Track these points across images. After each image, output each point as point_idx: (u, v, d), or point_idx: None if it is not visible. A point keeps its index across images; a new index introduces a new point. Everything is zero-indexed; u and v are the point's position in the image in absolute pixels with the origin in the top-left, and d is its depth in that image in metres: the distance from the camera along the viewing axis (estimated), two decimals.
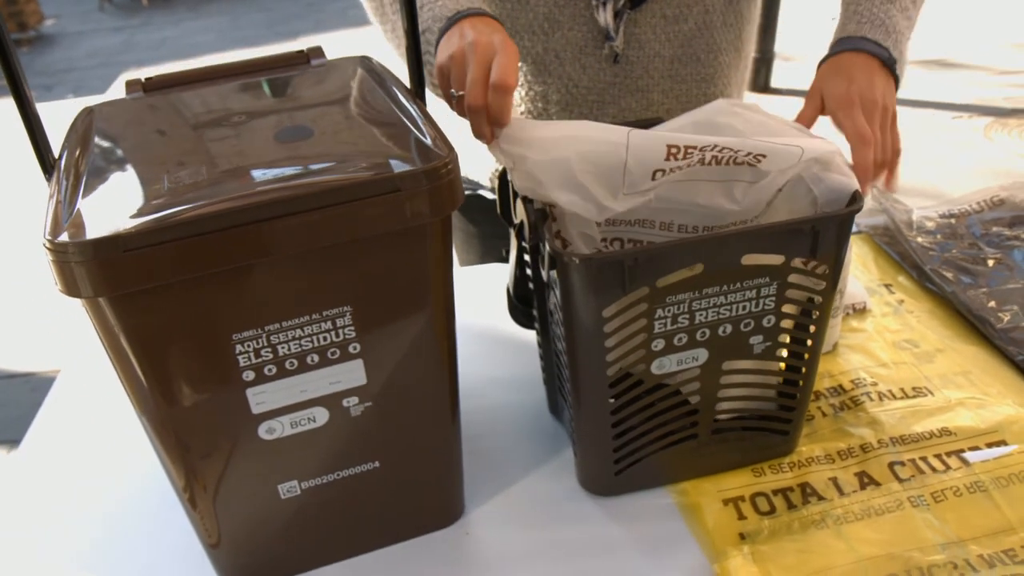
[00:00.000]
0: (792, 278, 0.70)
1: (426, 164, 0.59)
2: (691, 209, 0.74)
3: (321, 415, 0.66)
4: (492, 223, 1.01)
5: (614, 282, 0.66)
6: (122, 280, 0.54)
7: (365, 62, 0.78)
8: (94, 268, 0.53)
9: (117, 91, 4.91)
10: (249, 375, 0.62)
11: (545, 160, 0.69)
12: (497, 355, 0.99)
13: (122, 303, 0.56)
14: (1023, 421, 0.84)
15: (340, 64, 0.78)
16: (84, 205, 0.57)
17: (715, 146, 0.69)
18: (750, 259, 0.68)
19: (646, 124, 0.79)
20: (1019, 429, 0.83)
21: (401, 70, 0.77)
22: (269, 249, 0.57)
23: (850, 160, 0.76)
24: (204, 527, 0.70)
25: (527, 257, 0.78)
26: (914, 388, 0.90)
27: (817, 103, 0.83)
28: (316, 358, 0.63)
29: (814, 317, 0.73)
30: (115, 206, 0.56)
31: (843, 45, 0.85)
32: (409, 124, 0.65)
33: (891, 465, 0.80)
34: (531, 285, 0.80)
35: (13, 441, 2.34)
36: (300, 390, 0.64)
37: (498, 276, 0.93)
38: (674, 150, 0.69)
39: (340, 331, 0.63)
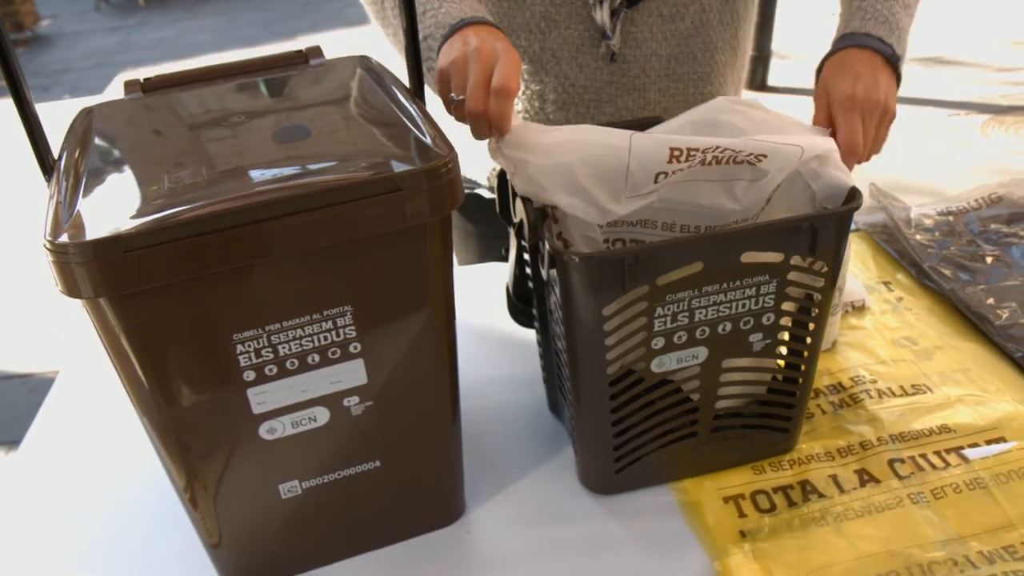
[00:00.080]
0: (791, 276, 0.70)
1: (426, 163, 0.59)
2: (693, 209, 0.75)
3: (322, 415, 0.66)
4: (490, 222, 1.01)
5: (614, 280, 0.66)
6: (122, 281, 0.54)
7: (364, 61, 0.78)
8: (94, 269, 0.53)
9: (114, 91, 4.90)
10: (250, 375, 0.62)
11: (547, 164, 0.69)
12: (496, 354, 0.99)
13: (123, 303, 0.56)
14: (1022, 418, 0.84)
15: (339, 64, 0.78)
16: (84, 206, 0.57)
17: (717, 147, 0.69)
18: (749, 257, 0.68)
19: (644, 123, 0.80)
20: (1018, 426, 0.83)
21: (401, 71, 0.77)
22: (269, 249, 0.57)
23: None
24: (205, 527, 0.70)
25: (527, 256, 0.78)
26: (913, 385, 0.90)
27: (827, 104, 0.81)
28: (317, 358, 0.63)
29: (813, 315, 0.73)
30: (115, 207, 0.56)
31: (848, 41, 0.84)
32: (409, 123, 0.65)
33: (891, 462, 0.80)
34: (530, 284, 0.81)
35: (12, 442, 2.33)
36: (301, 390, 0.64)
37: (497, 275, 0.93)
38: (676, 152, 0.69)
39: (341, 331, 0.63)
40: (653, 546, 0.75)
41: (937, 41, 4.50)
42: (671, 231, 0.77)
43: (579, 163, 0.69)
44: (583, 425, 0.77)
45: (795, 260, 0.69)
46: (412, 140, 0.63)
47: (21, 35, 6.10)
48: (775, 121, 0.75)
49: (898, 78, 0.84)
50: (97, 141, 0.67)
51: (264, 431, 0.66)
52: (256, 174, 0.59)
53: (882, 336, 0.98)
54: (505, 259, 0.85)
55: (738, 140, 0.70)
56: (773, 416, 0.79)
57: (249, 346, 0.61)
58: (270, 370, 0.63)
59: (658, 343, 0.71)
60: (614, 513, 0.79)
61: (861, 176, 0.74)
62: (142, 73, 0.78)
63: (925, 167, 3.26)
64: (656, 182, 0.70)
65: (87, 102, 0.76)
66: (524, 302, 0.84)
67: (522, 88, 1.01)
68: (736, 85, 1.11)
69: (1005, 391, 0.88)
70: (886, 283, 1.08)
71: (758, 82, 4.23)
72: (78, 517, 0.83)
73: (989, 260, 1.07)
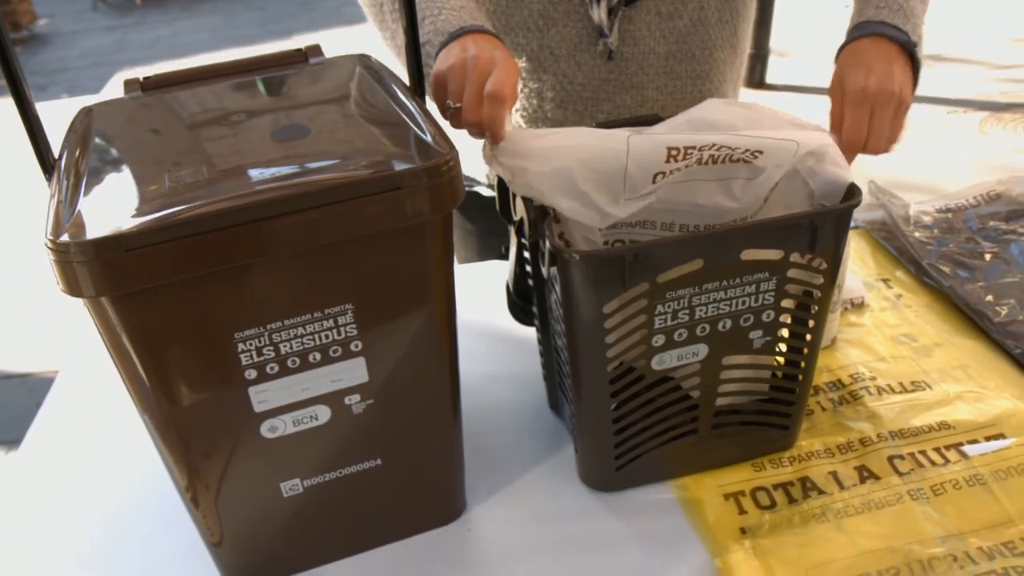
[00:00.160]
0: (791, 273, 0.70)
1: (427, 162, 0.59)
2: (691, 209, 0.75)
3: (323, 413, 0.67)
4: (489, 220, 1.01)
5: (614, 278, 0.66)
6: (124, 280, 0.54)
7: (364, 60, 0.78)
8: (96, 268, 0.53)
9: (111, 90, 4.89)
10: (251, 373, 0.62)
11: (545, 171, 0.69)
12: (496, 352, 0.99)
13: (124, 302, 0.56)
14: (1021, 414, 0.84)
15: (338, 62, 0.78)
16: (85, 205, 0.57)
17: (713, 144, 0.69)
18: (749, 254, 0.68)
19: (642, 121, 0.80)
20: (1017, 422, 0.83)
21: (401, 72, 0.77)
22: (270, 248, 0.57)
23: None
24: (206, 526, 0.70)
25: (527, 254, 0.78)
26: (913, 382, 0.90)
27: (840, 100, 0.81)
28: (318, 356, 0.63)
29: (813, 311, 0.74)
30: (116, 206, 0.56)
31: (862, 30, 0.84)
32: (409, 122, 0.65)
33: (890, 459, 0.80)
34: (531, 282, 0.81)
35: (11, 442, 2.33)
36: (302, 388, 0.65)
37: (497, 273, 0.93)
38: (674, 152, 0.69)
39: (342, 329, 0.63)
40: (654, 543, 0.75)
41: (936, 38, 4.50)
42: (670, 231, 0.77)
43: (577, 167, 0.69)
44: (583, 422, 0.77)
45: (795, 257, 0.69)
46: (413, 138, 0.63)
47: (18, 34, 6.09)
48: (769, 118, 0.75)
49: (915, 65, 0.83)
50: (97, 140, 0.67)
51: (265, 429, 0.66)
52: (257, 173, 0.59)
53: (881, 333, 0.98)
54: (505, 257, 0.85)
55: (734, 137, 0.70)
56: (773, 413, 0.80)
57: (250, 344, 0.61)
58: (271, 368, 0.63)
59: (658, 340, 0.71)
60: (615, 510, 0.79)
61: (860, 173, 0.74)
62: (139, 72, 0.78)
63: (924, 164, 3.26)
64: (654, 182, 0.71)
65: (84, 101, 0.76)
66: (524, 300, 0.84)
67: (520, 86, 1.01)
68: (735, 83, 1.11)
69: (1004, 388, 0.89)
70: (885, 280, 1.08)
71: (756, 80, 4.23)
72: (78, 517, 0.83)
73: (988, 257, 1.08)
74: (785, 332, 0.75)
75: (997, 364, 0.93)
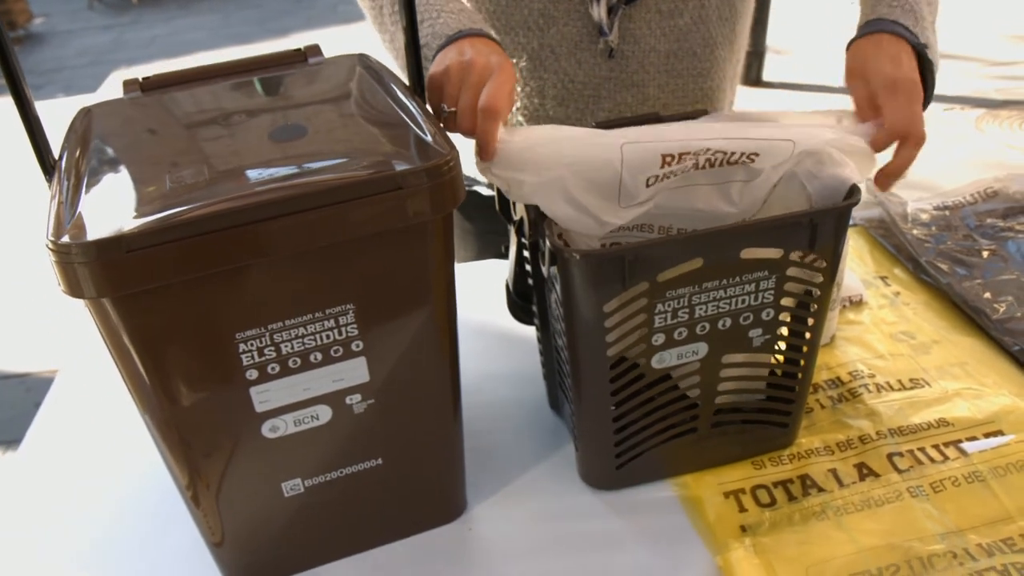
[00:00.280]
0: (790, 271, 0.71)
1: (427, 162, 0.59)
2: (689, 214, 0.75)
3: (324, 413, 0.67)
4: (488, 220, 1.01)
5: (614, 277, 0.66)
6: (125, 281, 0.54)
7: (363, 60, 0.78)
8: (97, 269, 0.53)
9: (108, 89, 4.87)
10: (252, 374, 0.62)
11: (540, 181, 0.69)
12: (496, 351, 0.99)
13: (125, 303, 0.56)
14: (1020, 411, 0.84)
15: (338, 62, 0.78)
16: (86, 206, 0.57)
17: (707, 150, 0.69)
18: (749, 253, 0.69)
19: (642, 120, 0.80)
20: (1016, 419, 0.84)
21: (398, 72, 0.77)
22: (272, 248, 0.57)
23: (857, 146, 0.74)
24: (208, 526, 0.70)
25: (527, 253, 0.78)
26: (911, 379, 0.90)
27: (866, 87, 0.79)
28: (319, 356, 0.64)
29: (812, 310, 0.74)
30: (117, 207, 0.56)
31: (877, 26, 0.84)
32: (410, 122, 0.65)
33: (890, 456, 0.81)
34: (530, 281, 0.81)
35: (9, 442, 2.33)
36: (303, 388, 0.65)
37: (497, 272, 0.94)
38: (668, 158, 0.69)
39: (343, 329, 0.63)
40: (654, 541, 0.75)
41: None
42: (668, 235, 0.77)
43: (571, 177, 0.69)
44: (584, 421, 0.77)
45: (794, 256, 0.70)
46: (413, 138, 0.63)
47: (14, 33, 6.07)
48: (766, 119, 0.75)
49: (926, 66, 0.82)
50: (97, 141, 0.67)
51: (266, 429, 0.66)
52: (258, 173, 0.59)
53: (880, 331, 0.98)
54: (504, 256, 0.85)
55: (729, 141, 0.70)
56: (773, 411, 0.80)
57: (252, 345, 0.61)
58: (272, 369, 0.63)
59: (658, 339, 0.71)
60: (615, 509, 0.79)
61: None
62: (136, 71, 0.78)
63: (920, 161, 3.26)
64: (648, 186, 0.71)
65: (81, 101, 0.76)
66: (524, 299, 0.84)
67: (521, 85, 1.01)
68: (733, 81, 1.11)
69: (1002, 385, 0.89)
70: (883, 278, 1.09)
71: (753, 77, 4.23)
72: (79, 517, 0.83)
73: (985, 254, 1.08)
74: (785, 330, 0.75)
75: (995, 361, 0.93)
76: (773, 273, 0.70)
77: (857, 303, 1.03)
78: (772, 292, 0.71)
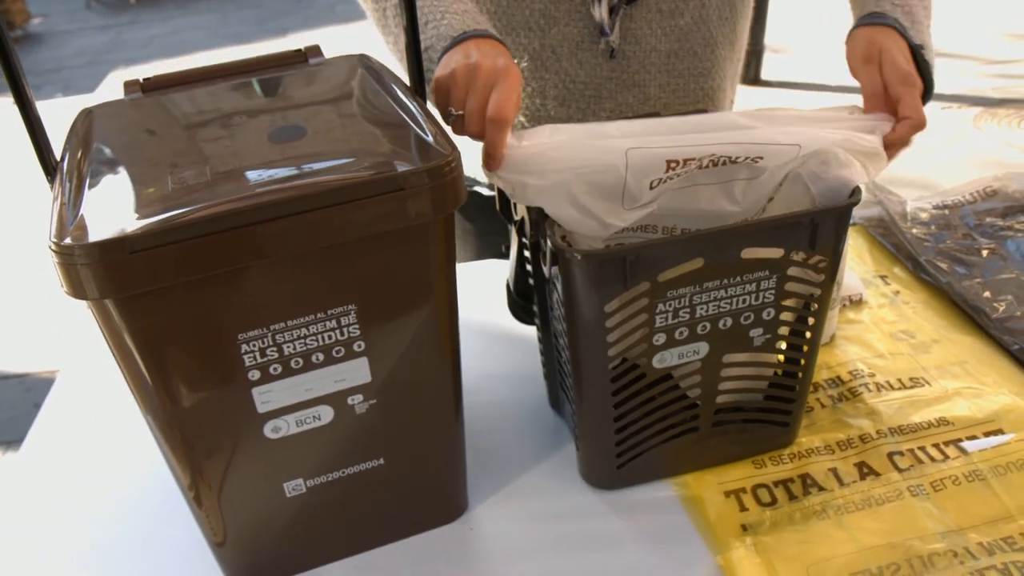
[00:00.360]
0: (791, 271, 0.71)
1: (429, 163, 0.59)
2: (693, 214, 0.75)
3: (326, 413, 0.67)
4: (488, 220, 1.01)
5: (616, 277, 0.66)
6: (128, 282, 0.55)
7: (364, 60, 0.78)
8: (100, 270, 0.53)
9: (106, 90, 4.85)
10: (255, 374, 0.62)
11: (544, 185, 0.69)
12: (496, 351, 0.99)
13: (128, 304, 0.56)
14: (1019, 410, 0.85)
15: (339, 63, 0.78)
16: (88, 207, 0.57)
17: (712, 155, 0.69)
18: (750, 253, 0.69)
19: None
20: (1015, 418, 0.84)
21: (401, 74, 0.77)
22: (274, 250, 0.57)
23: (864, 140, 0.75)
24: (210, 526, 0.70)
25: (527, 253, 0.79)
26: (911, 378, 0.90)
27: (879, 76, 0.81)
28: (321, 357, 0.64)
29: (813, 309, 0.74)
30: (120, 208, 0.56)
31: (881, 19, 0.85)
32: (411, 123, 0.65)
33: (890, 455, 0.81)
34: (531, 281, 0.81)
35: (8, 442, 2.33)
36: (305, 389, 0.65)
37: (496, 272, 0.94)
38: (673, 164, 0.69)
39: (345, 329, 0.63)
40: (655, 541, 0.76)
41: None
42: (671, 235, 0.77)
43: (576, 180, 0.69)
44: (585, 421, 0.77)
45: (795, 256, 0.70)
46: (414, 139, 0.63)
47: (12, 34, 6.07)
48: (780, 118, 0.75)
49: (923, 67, 0.84)
50: (99, 142, 0.67)
51: (269, 430, 0.66)
52: (259, 174, 0.59)
53: (880, 330, 0.99)
54: (504, 256, 0.85)
55: (733, 145, 0.70)
56: (773, 410, 0.80)
57: (254, 346, 0.61)
58: (275, 369, 0.63)
59: (659, 339, 0.71)
60: (616, 508, 0.79)
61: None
62: (134, 71, 0.79)
63: (918, 160, 3.27)
64: (652, 188, 0.71)
65: (80, 101, 0.76)
66: (525, 299, 0.85)
67: (522, 85, 1.01)
68: (733, 80, 1.12)
69: (1002, 383, 0.89)
70: (883, 277, 1.09)
71: (751, 76, 4.23)
72: (79, 517, 0.83)
73: (985, 253, 1.08)
74: (785, 330, 0.75)
75: (995, 360, 0.93)
76: (774, 273, 0.70)
77: (857, 302, 1.03)
78: (773, 292, 0.71)
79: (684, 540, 0.75)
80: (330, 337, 0.63)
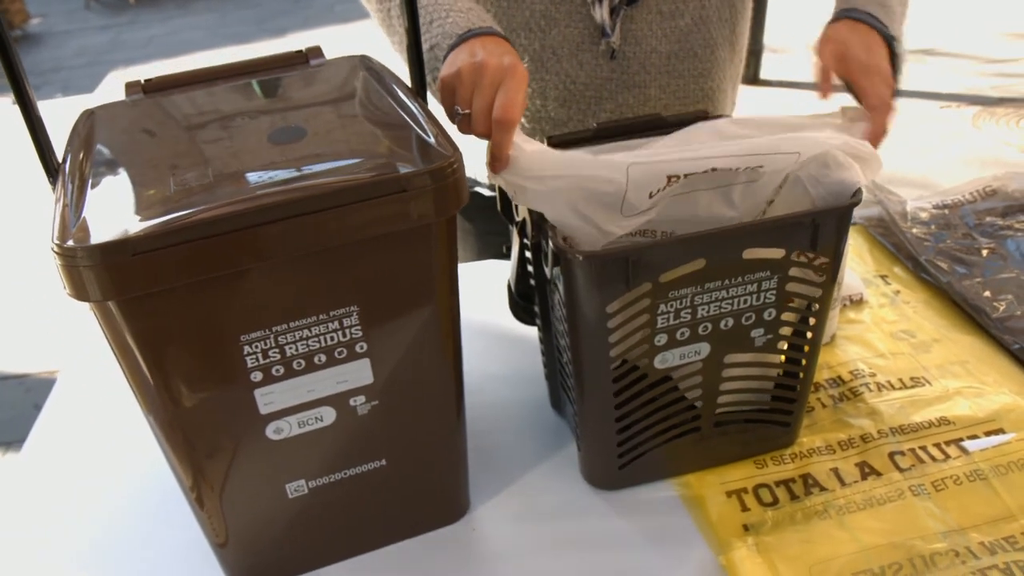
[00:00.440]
0: (793, 271, 0.71)
1: (431, 164, 0.59)
2: (692, 220, 0.75)
3: (328, 414, 0.67)
4: (488, 220, 1.01)
5: (617, 278, 0.66)
6: (131, 284, 0.55)
7: (365, 61, 0.78)
8: (103, 272, 0.53)
9: (105, 90, 4.83)
10: (257, 376, 0.62)
11: (544, 190, 0.69)
12: (497, 351, 0.99)
13: (130, 306, 0.56)
14: (1020, 409, 0.85)
15: (340, 64, 0.78)
16: (91, 209, 0.57)
17: (713, 169, 0.69)
18: (751, 253, 0.69)
19: (644, 121, 0.80)
20: (1016, 417, 0.84)
21: (403, 73, 0.77)
22: (276, 251, 0.57)
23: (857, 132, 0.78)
24: (212, 527, 0.70)
25: (529, 253, 0.79)
26: (912, 378, 0.91)
27: (834, 57, 0.84)
28: (323, 358, 0.64)
29: (814, 309, 0.74)
30: (122, 210, 0.57)
31: (854, 14, 0.87)
32: (413, 124, 0.65)
33: (891, 455, 0.81)
34: (532, 281, 0.81)
35: (8, 443, 2.33)
36: (307, 390, 0.65)
37: (497, 272, 0.94)
38: (674, 179, 0.69)
39: (347, 331, 0.63)
40: (657, 541, 0.76)
41: (928, 33, 4.51)
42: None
43: (576, 189, 0.69)
44: (586, 421, 0.77)
45: (796, 256, 0.70)
46: (417, 140, 0.63)
47: (11, 34, 6.04)
48: (780, 127, 0.75)
49: (896, 60, 0.86)
50: (101, 144, 0.67)
51: (271, 431, 0.66)
52: (263, 176, 0.59)
53: (880, 329, 0.99)
54: (505, 256, 0.85)
55: (733, 159, 0.70)
56: (775, 410, 0.80)
57: (256, 347, 0.61)
58: (277, 371, 0.63)
59: (661, 339, 0.71)
60: (618, 508, 0.79)
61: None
62: (133, 71, 0.79)
63: (917, 159, 3.27)
64: (651, 197, 0.71)
65: (79, 101, 0.76)
66: (526, 299, 0.85)
67: (528, 83, 1.01)
68: (734, 80, 1.12)
69: (1003, 383, 0.89)
70: (883, 276, 1.09)
71: (750, 76, 4.23)
72: (80, 517, 0.83)
73: (985, 253, 1.08)
74: (787, 330, 0.75)
75: (995, 359, 0.93)
76: (775, 273, 0.70)
77: (857, 302, 1.03)
78: (774, 292, 0.72)
79: (686, 540, 0.75)
80: (332, 338, 0.63)
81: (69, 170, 0.63)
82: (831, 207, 0.70)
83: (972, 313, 0.99)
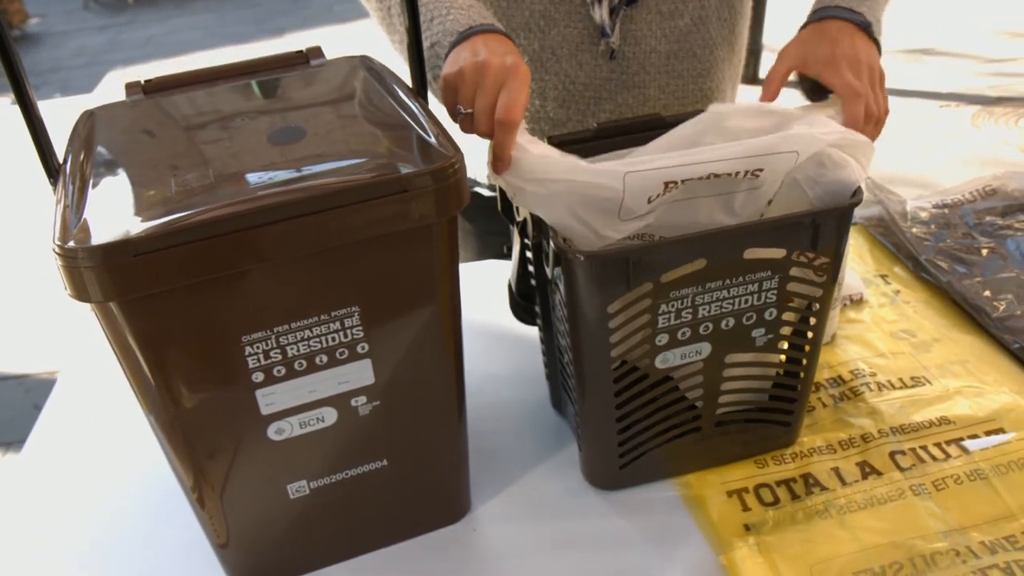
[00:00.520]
0: (793, 271, 0.71)
1: (432, 164, 0.59)
2: (691, 227, 0.75)
3: (330, 415, 0.67)
4: (488, 220, 1.01)
5: (618, 278, 0.66)
6: (132, 284, 0.55)
7: (365, 61, 0.78)
8: (104, 273, 0.53)
9: (104, 90, 4.82)
10: (258, 376, 0.62)
11: (542, 193, 0.69)
12: (498, 351, 0.99)
13: (132, 307, 0.56)
14: (1020, 409, 0.85)
15: (340, 64, 0.78)
16: (92, 210, 0.57)
17: (712, 174, 0.69)
18: (752, 253, 0.69)
19: (644, 122, 0.80)
20: (1016, 417, 0.84)
21: (404, 75, 0.77)
22: (278, 252, 0.57)
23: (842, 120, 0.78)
24: (213, 527, 0.70)
25: (529, 253, 0.79)
26: (912, 378, 0.91)
27: (790, 64, 0.84)
28: (325, 358, 0.64)
29: (815, 309, 0.74)
30: (123, 210, 0.57)
31: (821, 14, 0.87)
32: (414, 124, 0.65)
33: (892, 454, 0.81)
34: (533, 282, 0.81)
35: (8, 443, 2.33)
36: (309, 390, 0.65)
37: (498, 272, 0.94)
38: (671, 185, 0.69)
39: (348, 331, 0.63)
40: (658, 541, 0.76)
41: (926, 33, 4.51)
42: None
43: (574, 193, 0.69)
44: (587, 421, 0.77)
45: (797, 256, 0.70)
46: (417, 140, 0.63)
47: (10, 34, 6.04)
48: (785, 122, 0.75)
49: (877, 46, 0.85)
50: (101, 144, 0.67)
51: (272, 432, 0.66)
52: (263, 177, 0.59)
53: (880, 329, 0.99)
54: (506, 256, 0.85)
55: (731, 162, 0.70)
56: (775, 410, 0.80)
57: (257, 348, 0.61)
58: (278, 371, 0.63)
59: (662, 339, 0.71)
60: (618, 508, 0.79)
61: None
62: (132, 71, 0.78)
63: (916, 158, 3.27)
64: (649, 203, 0.71)
65: (78, 101, 0.76)
66: (527, 299, 0.85)
67: (530, 83, 1.01)
68: (733, 80, 1.12)
69: (1003, 382, 0.89)
70: (883, 276, 1.09)
71: (749, 75, 4.23)
72: (80, 517, 0.83)
73: (985, 252, 1.08)
74: (787, 330, 0.75)
75: (996, 359, 0.93)
76: (776, 273, 0.70)
77: (857, 301, 1.04)
78: (775, 292, 0.72)
79: (687, 540, 0.75)
80: (334, 339, 0.63)
81: (70, 171, 0.63)
82: (832, 207, 0.70)
83: (972, 313, 0.99)
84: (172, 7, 6.57)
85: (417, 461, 0.74)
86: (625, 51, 0.99)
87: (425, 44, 0.80)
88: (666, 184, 0.69)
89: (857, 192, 0.71)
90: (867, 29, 0.85)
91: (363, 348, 0.64)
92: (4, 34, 0.61)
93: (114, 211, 0.57)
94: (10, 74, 0.62)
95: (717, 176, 0.70)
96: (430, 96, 0.76)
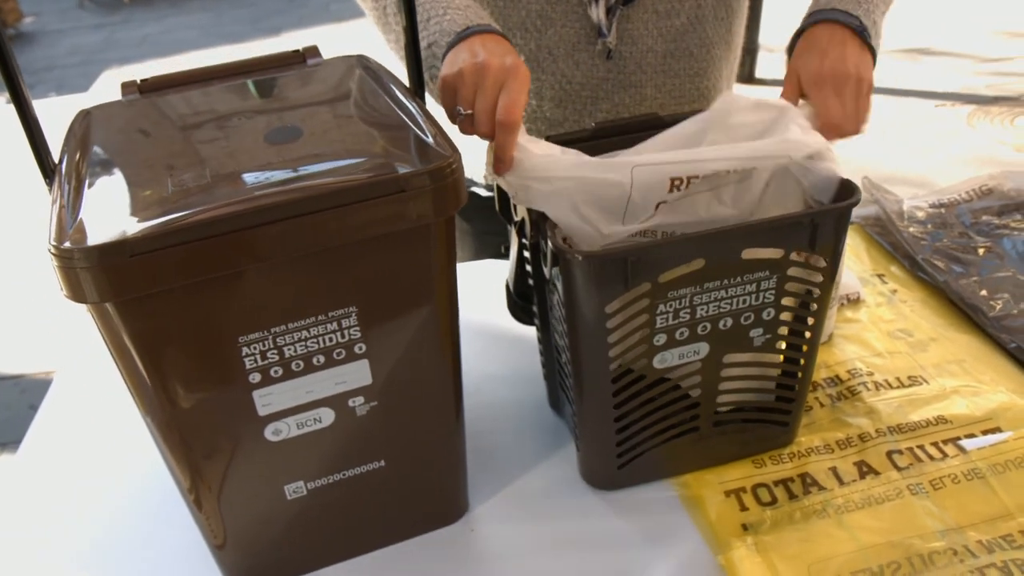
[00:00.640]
0: (791, 271, 0.71)
1: (430, 164, 0.59)
2: (692, 223, 0.75)
3: (327, 415, 0.67)
4: (486, 220, 1.01)
5: (616, 278, 0.66)
6: (128, 285, 0.54)
7: (362, 61, 0.78)
8: (100, 274, 0.53)
9: (99, 89, 4.80)
10: (255, 377, 0.62)
11: (547, 190, 0.69)
12: (495, 352, 0.99)
13: (128, 307, 0.56)
14: (1017, 408, 0.85)
15: (337, 63, 0.78)
16: (88, 210, 0.57)
17: (715, 172, 0.69)
18: (750, 253, 0.69)
19: (642, 121, 0.80)
20: (1013, 416, 0.84)
21: (401, 75, 0.77)
22: (274, 252, 0.57)
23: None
24: (210, 528, 0.70)
25: (527, 253, 0.79)
26: (909, 377, 0.91)
27: (795, 83, 0.83)
28: (322, 359, 0.64)
29: (812, 309, 0.74)
30: (119, 211, 0.56)
31: (815, 18, 0.86)
32: (411, 124, 0.65)
33: (889, 454, 0.81)
34: (531, 282, 0.81)
35: (4, 444, 2.32)
36: (306, 391, 0.65)
37: (496, 272, 0.94)
38: (677, 181, 0.69)
39: (346, 332, 0.63)
40: (656, 540, 0.76)
41: (923, 32, 4.52)
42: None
43: (579, 193, 0.69)
44: (585, 421, 0.77)
45: (795, 256, 0.70)
46: (414, 140, 0.63)
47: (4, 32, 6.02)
48: (782, 117, 0.75)
49: (871, 51, 0.84)
50: (97, 144, 0.66)
51: (269, 432, 0.66)
52: (260, 176, 0.59)
53: (877, 329, 0.99)
54: (503, 256, 0.85)
55: (732, 161, 0.70)
56: (773, 410, 0.80)
57: (254, 348, 0.61)
58: (275, 372, 0.63)
59: (660, 339, 0.71)
60: (616, 508, 0.79)
61: (853, 168, 0.75)
62: (127, 70, 0.78)
63: (913, 158, 3.28)
64: (656, 209, 0.71)
65: (73, 100, 0.76)
66: (525, 299, 0.85)
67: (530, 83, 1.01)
68: (729, 79, 1.12)
69: (1000, 382, 0.89)
70: (880, 276, 1.09)
71: (745, 74, 4.23)
72: (79, 518, 0.83)
73: (981, 252, 1.08)
74: (785, 329, 0.75)
75: (992, 358, 0.93)
76: (774, 273, 0.70)
77: (854, 301, 1.04)
78: (773, 292, 0.72)
79: (684, 540, 0.75)
80: (331, 339, 0.63)
81: (66, 171, 0.63)
82: (829, 207, 0.70)
83: (969, 312, 0.99)
84: (168, 6, 6.55)
85: (415, 461, 0.74)
86: (622, 50, 0.99)
87: (422, 44, 0.80)
88: (672, 181, 0.69)
89: (855, 192, 0.71)
90: (861, 34, 0.83)
91: (360, 348, 0.64)
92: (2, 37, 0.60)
93: (110, 211, 0.57)
94: (5, 73, 0.62)
95: (717, 173, 0.70)
96: (427, 95, 0.76)
